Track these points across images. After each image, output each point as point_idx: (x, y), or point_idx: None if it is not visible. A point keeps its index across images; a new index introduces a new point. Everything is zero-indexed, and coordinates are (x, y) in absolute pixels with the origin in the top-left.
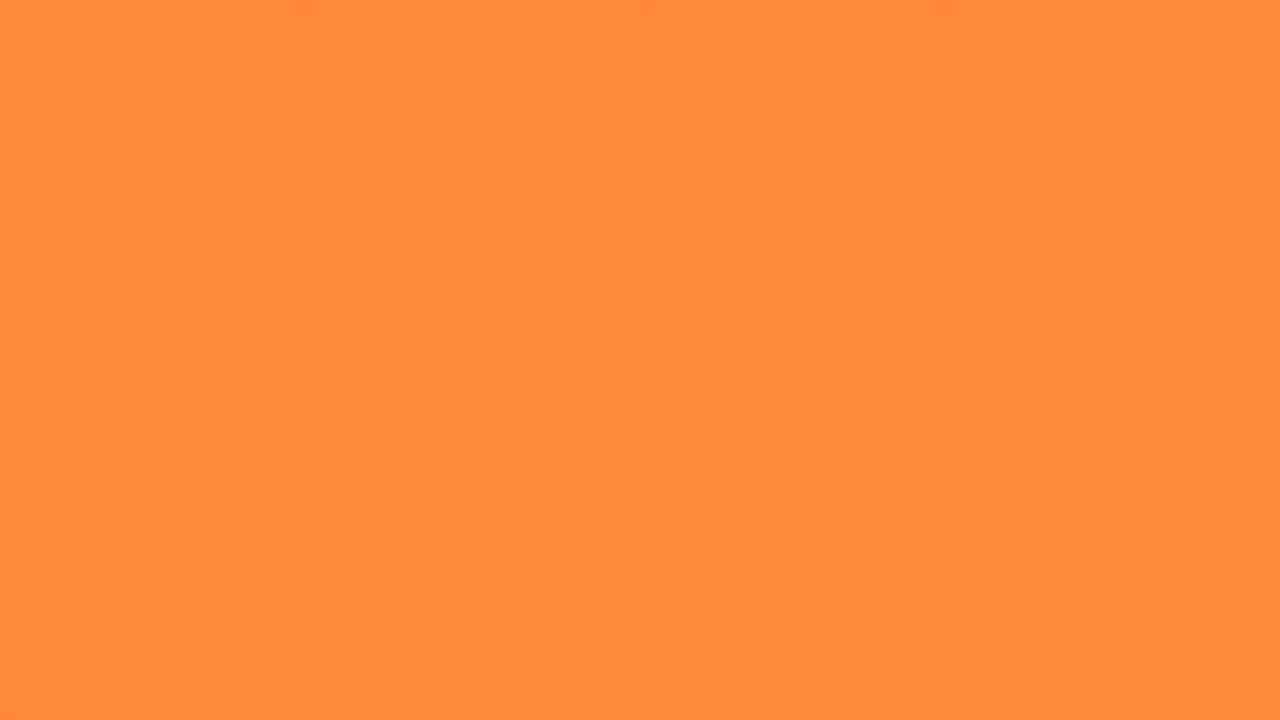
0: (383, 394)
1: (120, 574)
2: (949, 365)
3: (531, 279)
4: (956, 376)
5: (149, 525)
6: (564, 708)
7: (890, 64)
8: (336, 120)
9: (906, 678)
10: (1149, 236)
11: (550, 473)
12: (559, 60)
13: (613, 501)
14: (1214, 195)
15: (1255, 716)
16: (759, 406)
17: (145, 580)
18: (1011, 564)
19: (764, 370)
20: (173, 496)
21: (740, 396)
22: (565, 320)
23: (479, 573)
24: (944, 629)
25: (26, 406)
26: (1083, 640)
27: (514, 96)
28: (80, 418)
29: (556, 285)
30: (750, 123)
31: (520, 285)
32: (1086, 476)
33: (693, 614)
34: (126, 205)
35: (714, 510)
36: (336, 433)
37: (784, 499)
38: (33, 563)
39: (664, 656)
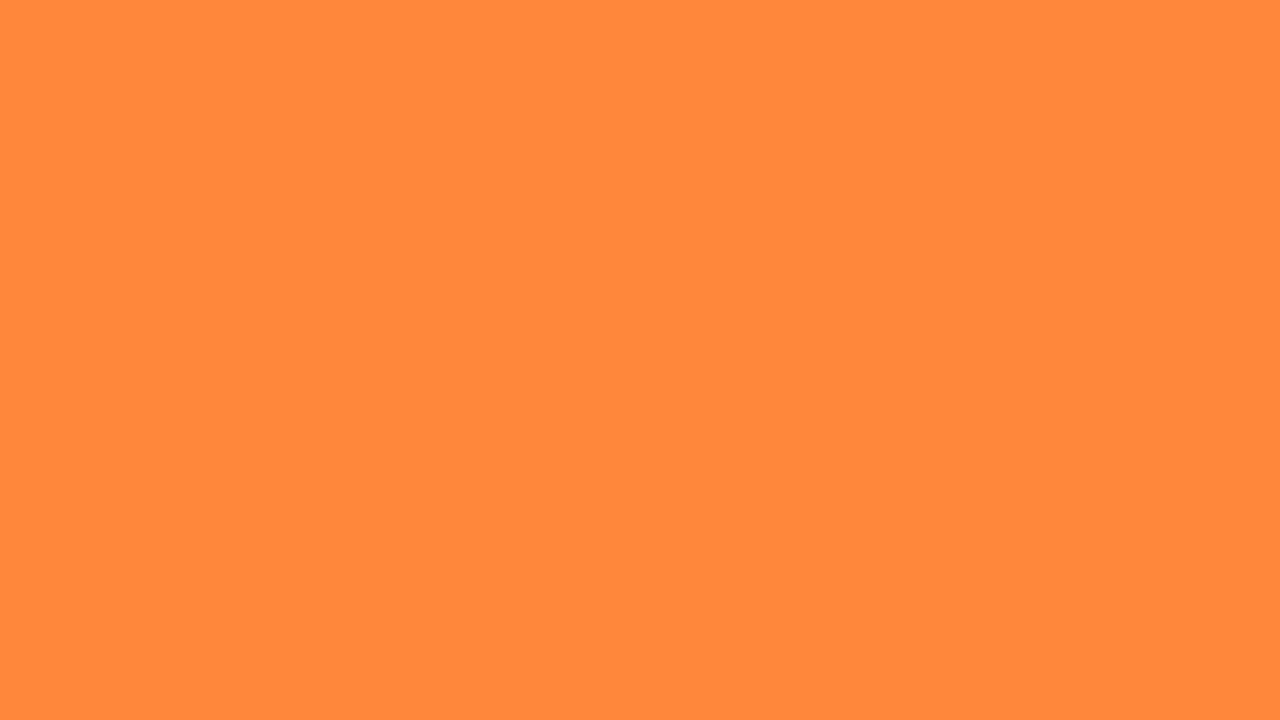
0: (383, 393)
1: (120, 574)
2: (949, 365)
3: (531, 279)
4: (956, 376)
5: (149, 525)
6: (564, 708)
7: (890, 64)
8: (337, 120)
9: (907, 678)
10: (1149, 236)
11: (550, 472)
12: (559, 60)
13: (613, 501)
14: (1214, 195)
15: (1255, 716)
16: (759, 406)
17: (145, 580)
18: (1012, 564)
19: (764, 370)
20: (173, 496)
21: (740, 396)
22: (565, 320)
23: (479, 573)
24: (944, 629)
25: (26, 406)
26: (1083, 640)
27: (514, 96)
28: (80, 418)
29: (556, 285)
30: (750, 123)
31: (520, 285)
32: (1086, 476)
33: (693, 614)
34: (127, 205)
35: (714, 510)
36: (336, 432)
37: (784, 499)
38: (33, 563)
39: (664, 657)
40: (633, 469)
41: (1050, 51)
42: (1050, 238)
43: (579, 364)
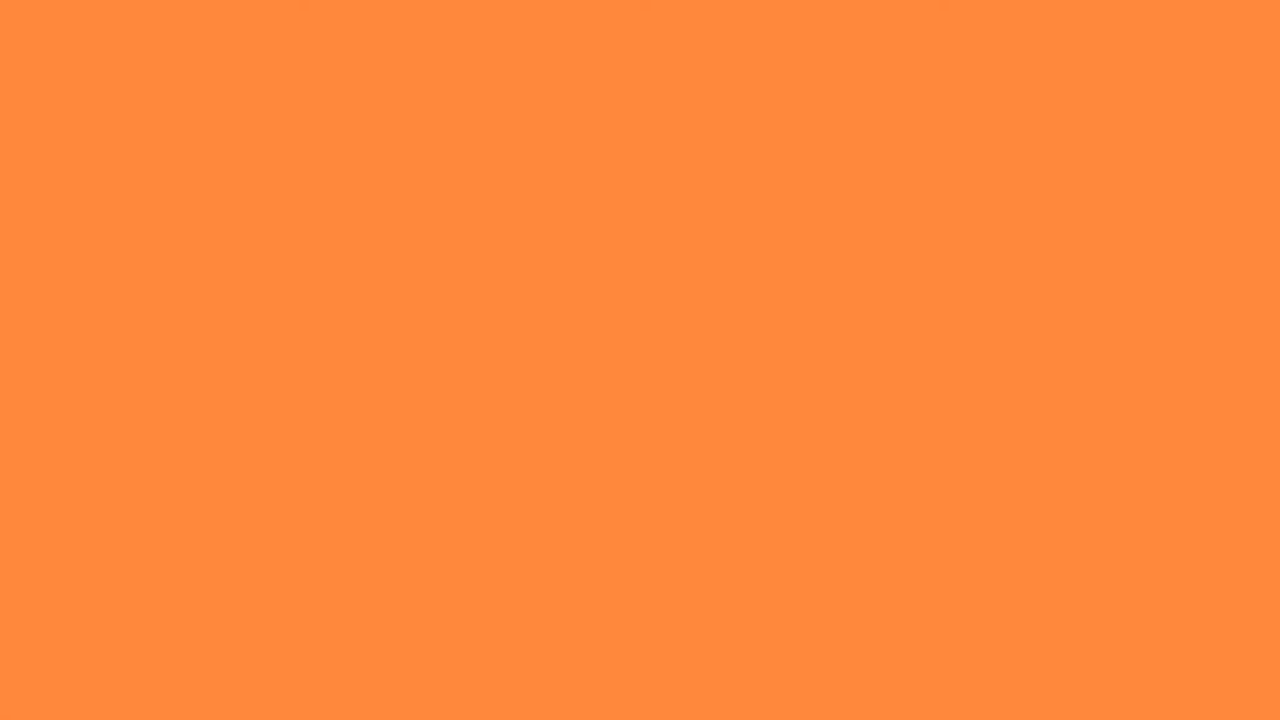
0: (383, 393)
1: (120, 574)
2: (949, 365)
3: (531, 279)
4: (956, 376)
5: (149, 525)
6: (564, 708)
7: (890, 64)
8: (337, 120)
9: (907, 678)
10: (1149, 236)
11: (550, 472)
12: (559, 60)
13: (613, 501)
14: (1214, 195)
15: (1255, 716)
16: (759, 406)
17: (145, 580)
18: (1012, 564)
19: (764, 370)
20: (173, 496)
21: (740, 396)
22: (565, 320)
23: (479, 573)
24: (944, 629)
25: (26, 406)
26: (1083, 640)
27: (514, 96)
28: (80, 418)
29: (556, 285)
30: (750, 123)
31: (520, 285)
32: (1086, 476)
33: (693, 614)
34: (127, 205)
35: (714, 510)
36: (336, 432)
37: (784, 499)
38: (33, 563)
39: (664, 657)
40: (633, 469)
41: (1050, 51)
42: (1050, 238)
43: (579, 364)
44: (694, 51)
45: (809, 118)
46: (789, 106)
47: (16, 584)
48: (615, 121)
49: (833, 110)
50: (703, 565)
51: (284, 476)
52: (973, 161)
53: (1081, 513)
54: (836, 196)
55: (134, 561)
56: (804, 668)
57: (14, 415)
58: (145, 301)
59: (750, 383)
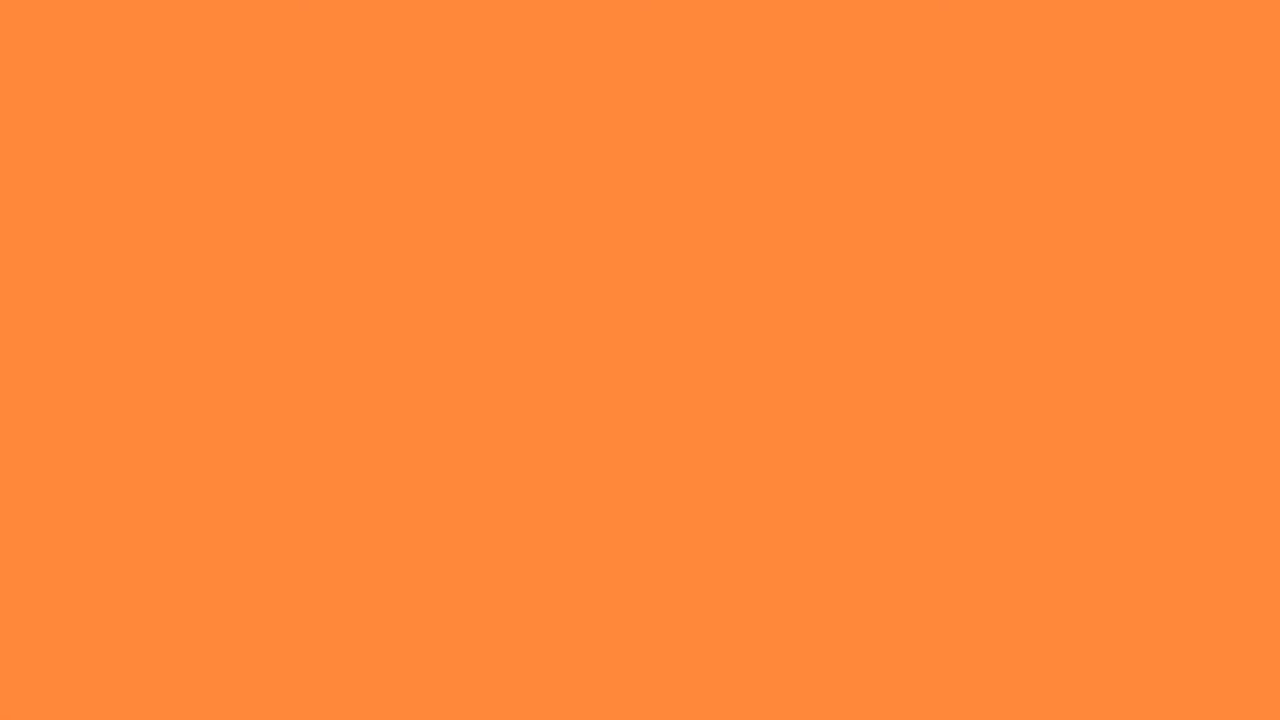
0: (383, 393)
1: (120, 574)
2: (949, 365)
3: (532, 279)
4: (956, 376)
5: (149, 525)
6: (564, 708)
7: (890, 64)
8: (337, 120)
9: (907, 678)
10: (1149, 236)
11: (550, 472)
12: (559, 60)
13: (613, 501)
14: (1214, 195)
15: (1255, 716)
16: (759, 406)
17: (145, 580)
18: (1012, 564)
19: (764, 370)
20: (173, 496)
21: (740, 396)
22: (565, 320)
23: (479, 573)
24: (944, 629)
25: (26, 406)
26: (1083, 640)
27: (514, 96)
28: (80, 418)
29: (556, 285)
30: (750, 123)
31: (520, 285)
32: (1086, 476)
33: (693, 614)
34: (127, 205)
35: (714, 510)
36: (336, 432)
37: (784, 499)
38: (33, 563)
39: (664, 657)
40: (632, 469)
41: (1050, 51)
42: (1050, 238)
43: (579, 364)
44: (694, 51)
45: (809, 118)
46: (789, 107)
47: (16, 584)
48: (615, 122)
49: (833, 110)
50: (703, 565)
51: (284, 476)
52: (972, 161)
53: (1081, 513)
54: (836, 196)
55: (134, 561)
56: (804, 668)
57: (14, 415)
58: (145, 301)
59: (750, 383)
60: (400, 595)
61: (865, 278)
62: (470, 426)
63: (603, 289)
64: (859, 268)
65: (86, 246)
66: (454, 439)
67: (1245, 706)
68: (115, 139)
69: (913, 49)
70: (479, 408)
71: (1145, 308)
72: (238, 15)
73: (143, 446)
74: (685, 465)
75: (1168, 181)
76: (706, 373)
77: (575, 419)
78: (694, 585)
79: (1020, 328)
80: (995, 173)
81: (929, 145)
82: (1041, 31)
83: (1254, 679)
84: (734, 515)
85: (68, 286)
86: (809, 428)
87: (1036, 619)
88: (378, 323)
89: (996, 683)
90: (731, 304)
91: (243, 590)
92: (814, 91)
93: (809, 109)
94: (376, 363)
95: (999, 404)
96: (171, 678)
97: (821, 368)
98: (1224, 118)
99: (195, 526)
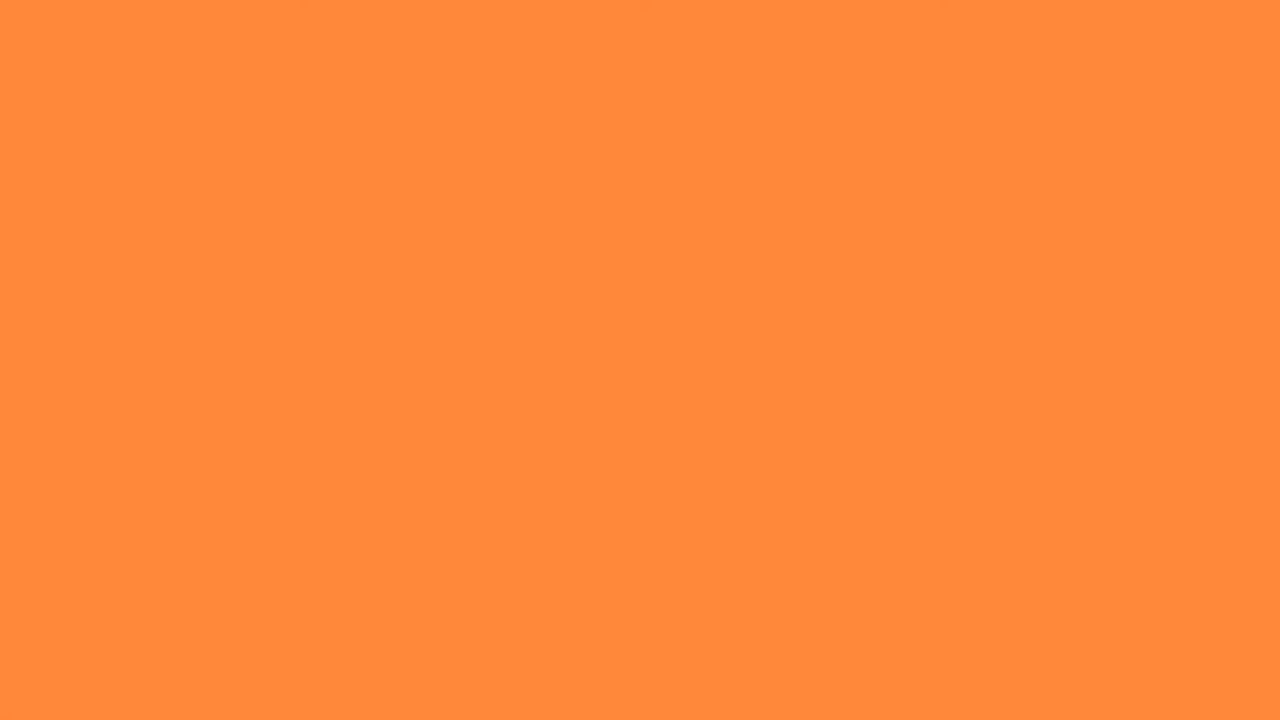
0: (383, 394)
1: (120, 574)
2: (949, 365)
3: (532, 279)
4: (956, 376)
5: (149, 525)
6: (564, 708)
7: (890, 64)
8: (337, 120)
9: (907, 678)
10: (1149, 236)
11: (550, 473)
12: (559, 60)
13: (613, 502)
14: (1214, 195)
15: (1255, 716)
16: (759, 406)
17: (145, 580)
18: (1012, 564)
19: (764, 370)
20: (173, 496)
21: (740, 397)
22: (565, 320)
23: (479, 573)
24: (944, 629)
25: (27, 407)
26: (1083, 640)
27: (514, 96)
28: (80, 418)
29: (556, 285)
30: (750, 123)
31: (520, 285)
32: (1086, 476)
33: (693, 614)
34: (127, 205)
35: (714, 510)
36: (336, 433)
37: (784, 499)
38: (33, 563)
39: (664, 657)
40: (632, 469)
41: (1050, 51)
42: (1050, 238)
43: (579, 364)
44: (694, 52)
45: (809, 118)
46: (789, 107)
47: (16, 584)
48: (615, 122)
49: (832, 110)
50: (702, 565)
51: (283, 475)
52: (972, 161)
53: (1081, 513)
54: (836, 196)
55: (134, 561)
56: (804, 668)
57: (14, 415)
58: (145, 301)
59: (750, 382)
60: (400, 595)
61: (865, 278)
62: (470, 426)
63: (603, 289)
64: (859, 268)
65: (86, 246)
66: (454, 439)
67: (1245, 706)
68: (115, 139)
69: (913, 49)
70: (479, 407)
71: (1145, 307)
72: (238, 15)
73: (142, 446)
74: (685, 465)
75: (1168, 181)
76: (706, 373)
77: (575, 419)
78: (694, 585)
79: (1020, 327)
80: (995, 173)
81: (929, 145)
82: (1041, 31)
83: (1254, 679)
84: (734, 515)
85: (68, 286)
86: (809, 427)
87: (1036, 619)
88: (377, 322)
89: (997, 683)
90: (731, 304)
91: (243, 590)
92: (814, 91)
93: (809, 109)
94: (376, 362)
95: (999, 404)
96: (172, 678)
97: (821, 367)
98: (1224, 118)
99: (195, 526)
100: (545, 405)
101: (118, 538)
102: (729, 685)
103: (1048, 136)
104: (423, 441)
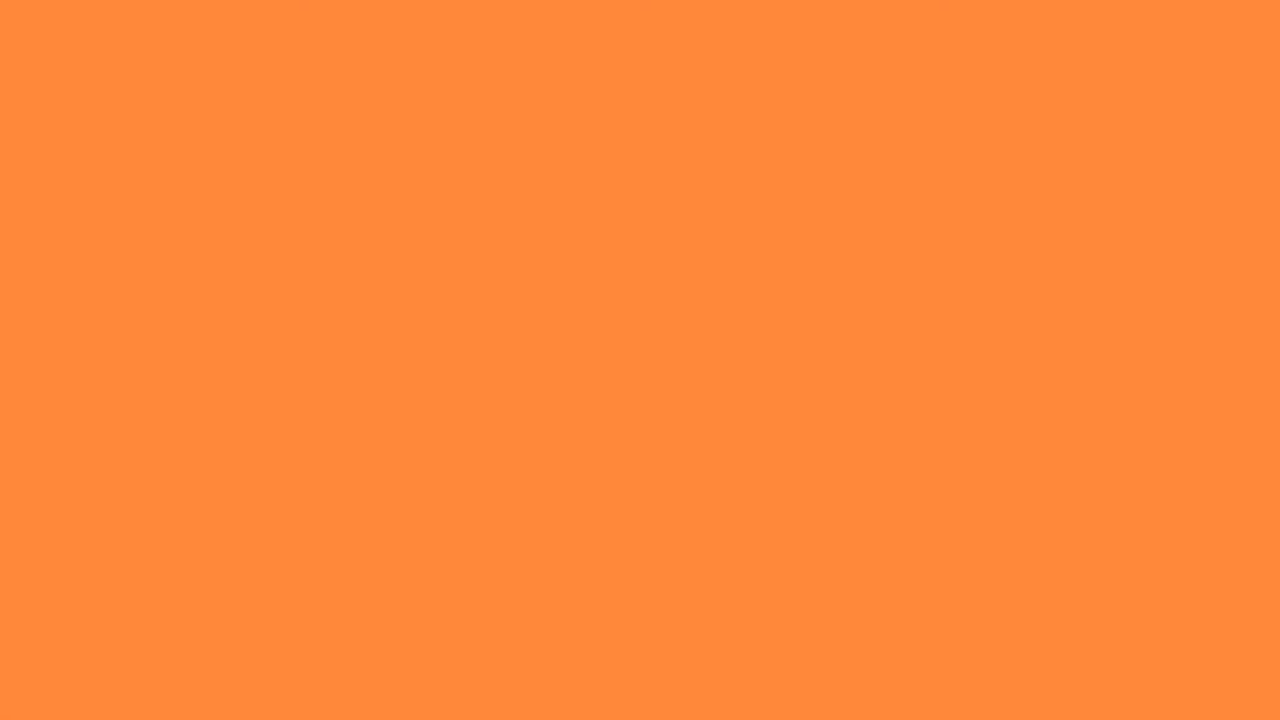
0: (383, 394)
1: (120, 574)
2: (949, 365)
3: (532, 279)
4: (956, 377)
5: (149, 525)
6: (564, 708)
7: (890, 64)
8: (337, 120)
9: (907, 678)
10: (1149, 236)
11: (550, 473)
12: (559, 60)
13: (613, 502)
14: (1214, 195)
15: (1255, 716)
16: (759, 407)
17: (145, 580)
18: (1011, 564)
19: (764, 370)
20: (173, 497)
21: (740, 397)
22: (565, 320)
23: (479, 573)
24: (944, 629)
25: (27, 407)
26: (1083, 640)
27: (514, 96)
28: (80, 418)
29: (556, 285)
30: (750, 123)
31: (520, 285)
32: (1086, 477)
33: (693, 614)
34: (127, 205)
35: (714, 510)
36: (336, 433)
37: (784, 499)
38: (33, 563)
39: (664, 657)
40: (632, 469)
41: (1050, 51)
42: (1050, 238)
43: (579, 364)
44: (694, 52)
45: (809, 118)
46: (789, 107)
47: (16, 584)
48: (615, 122)
49: (833, 110)
50: (703, 565)
51: (283, 475)
52: (972, 161)
53: (1081, 512)
54: (836, 196)
55: (134, 561)
56: (804, 668)
57: (14, 415)
58: (145, 301)
59: (750, 382)
60: (400, 595)
61: (865, 277)
62: (470, 426)
63: (602, 289)
64: (859, 267)
65: (86, 246)
66: (454, 438)
67: (1245, 706)
68: (115, 139)
69: (913, 49)
70: (478, 407)
71: (1145, 307)
72: (238, 15)
73: (142, 446)
74: (685, 465)
75: (1167, 181)
76: (706, 373)
77: (575, 418)
78: (694, 585)
79: (1020, 327)
80: (995, 172)
81: (929, 145)
82: (1042, 31)
83: (1254, 679)
84: (734, 515)
85: (67, 286)
86: (809, 427)
87: (1036, 619)
88: (377, 322)
89: (996, 683)
90: (731, 304)
91: (243, 590)
92: (814, 91)
93: (809, 109)
94: (376, 362)
95: (999, 403)
96: (172, 678)
97: (821, 367)
98: (1224, 118)
99: (195, 526)
100: (545, 405)
101: (118, 538)
102: (729, 685)
103: (1048, 136)
104: (423, 441)
